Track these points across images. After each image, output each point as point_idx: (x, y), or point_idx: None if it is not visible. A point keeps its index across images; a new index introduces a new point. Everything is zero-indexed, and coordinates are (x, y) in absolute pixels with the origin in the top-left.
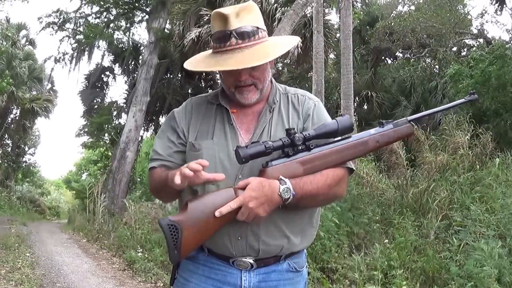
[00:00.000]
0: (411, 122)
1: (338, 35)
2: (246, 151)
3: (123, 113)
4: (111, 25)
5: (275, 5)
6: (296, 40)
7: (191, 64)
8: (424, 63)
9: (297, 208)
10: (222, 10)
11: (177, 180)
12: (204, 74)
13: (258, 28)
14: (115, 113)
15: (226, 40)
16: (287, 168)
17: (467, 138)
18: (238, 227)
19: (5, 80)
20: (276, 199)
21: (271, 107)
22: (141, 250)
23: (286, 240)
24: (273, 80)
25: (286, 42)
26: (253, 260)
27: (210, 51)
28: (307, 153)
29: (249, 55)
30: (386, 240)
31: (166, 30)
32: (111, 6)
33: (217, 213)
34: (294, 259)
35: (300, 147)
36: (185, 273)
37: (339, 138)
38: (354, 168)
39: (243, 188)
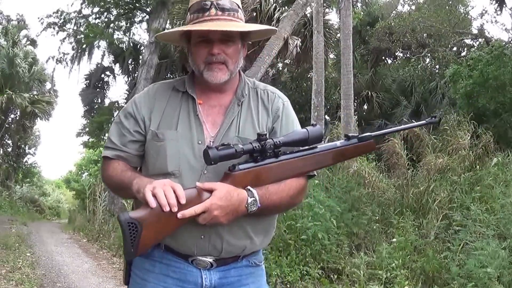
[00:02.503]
0: (374, 139)
1: (338, 35)
2: (216, 153)
3: None
4: (111, 25)
5: (274, 4)
6: (273, 29)
7: (163, 33)
8: (424, 63)
9: (257, 214)
10: None
11: (152, 203)
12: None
13: (238, 7)
14: (115, 113)
15: (205, 10)
16: (253, 174)
17: (468, 139)
18: (201, 226)
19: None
20: (242, 210)
21: (240, 100)
22: None
23: (249, 241)
24: (242, 73)
25: (261, 26)
26: (213, 260)
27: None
28: (274, 160)
29: (226, 24)
30: (394, 239)
31: (166, 30)
32: (112, 6)
33: (179, 215)
34: (253, 256)
35: (268, 153)
36: (141, 271)
37: (306, 147)
38: (316, 174)
39: (208, 191)
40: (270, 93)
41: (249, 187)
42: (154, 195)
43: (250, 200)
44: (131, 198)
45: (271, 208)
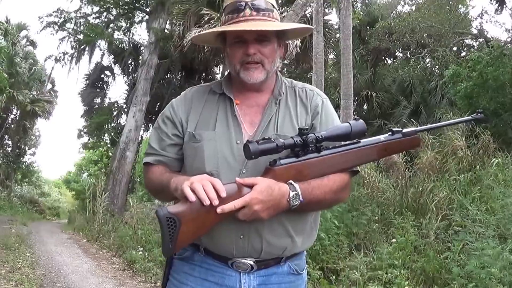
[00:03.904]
0: (419, 133)
1: (338, 35)
2: (257, 147)
3: (123, 113)
4: (111, 25)
5: None
6: (309, 28)
7: (198, 34)
8: (423, 63)
9: (300, 211)
10: None
11: (191, 197)
12: (204, 74)
13: (273, 7)
14: (115, 113)
15: (240, 11)
16: (295, 169)
17: (464, 140)
18: (240, 225)
19: (3, 78)
20: (284, 205)
21: (277, 99)
22: (141, 250)
23: (290, 240)
24: (279, 72)
25: (297, 24)
26: (254, 262)
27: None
28: (317, 155)
29: (261, 24)
30: (394, 240)
31: (166, 31)
32: (111, 6)
33: (219, 210)
34: (295, 260)
35: (310, 148)
36: (180, 275)
37: (348, 142)
38: (359, 170)
39: (248, 186)
40: (308, 91)
41: (291, 181)
42: (193, 190)
43: (292, 194)
44: (171, 199)
45: (314, 203)
